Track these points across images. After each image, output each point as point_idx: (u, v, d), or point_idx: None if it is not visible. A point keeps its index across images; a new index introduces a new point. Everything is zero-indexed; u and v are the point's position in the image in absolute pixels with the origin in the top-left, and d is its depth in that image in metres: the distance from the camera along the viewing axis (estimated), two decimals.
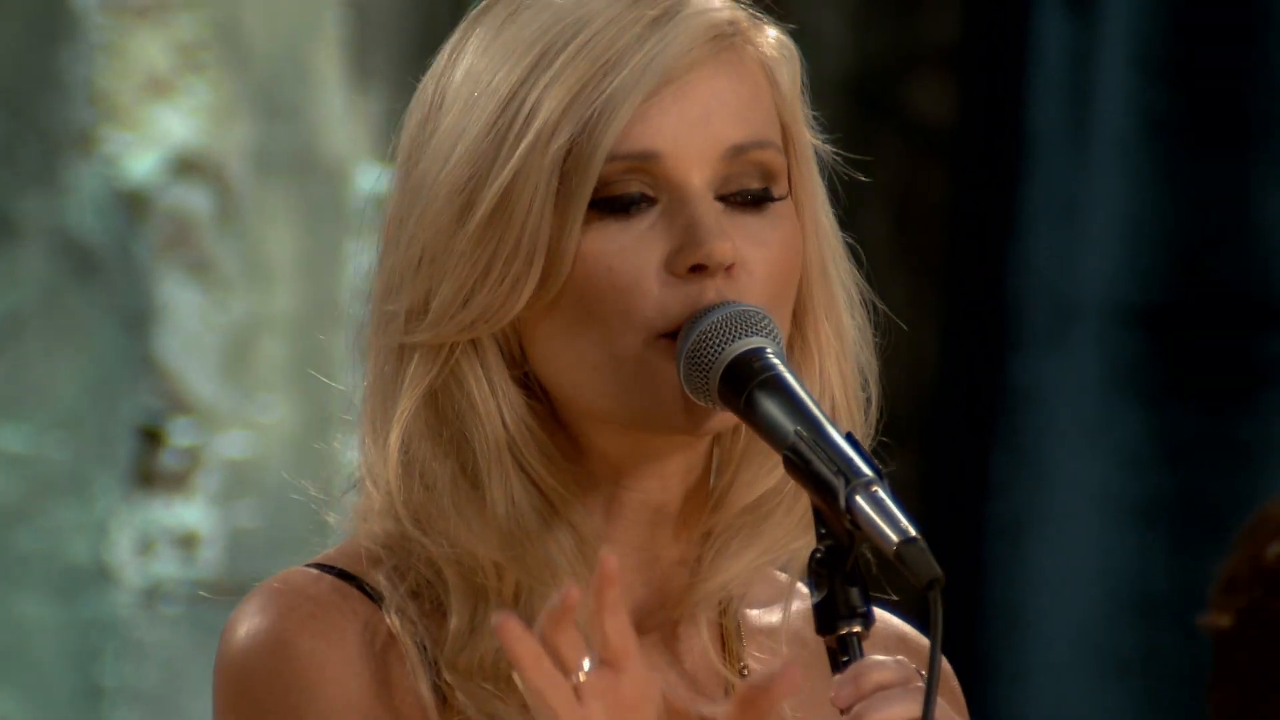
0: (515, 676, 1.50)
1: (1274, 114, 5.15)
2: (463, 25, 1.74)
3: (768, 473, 1.74)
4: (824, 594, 1.56)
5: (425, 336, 1.68)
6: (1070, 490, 5.36)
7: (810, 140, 1.76)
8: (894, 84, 5.26)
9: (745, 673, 1.78)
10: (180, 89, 5.55)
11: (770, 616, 1.82)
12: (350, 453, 1.79)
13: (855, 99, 5.14)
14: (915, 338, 5.28)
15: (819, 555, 1.56)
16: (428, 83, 1.74)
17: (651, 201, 1.68)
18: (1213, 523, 5.29)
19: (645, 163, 1.67)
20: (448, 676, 1.66)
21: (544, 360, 1.69)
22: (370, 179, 5.54)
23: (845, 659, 1.54)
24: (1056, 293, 5.26)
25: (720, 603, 1.78)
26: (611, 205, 1.67)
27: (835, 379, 1.75)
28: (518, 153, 1.65)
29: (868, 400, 1.78)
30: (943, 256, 5.24)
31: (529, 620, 1.57)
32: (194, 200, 5.57)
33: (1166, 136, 5.19)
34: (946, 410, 5.20)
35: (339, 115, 5.51)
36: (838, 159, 1.78)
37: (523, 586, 1.68)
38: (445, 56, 1.73)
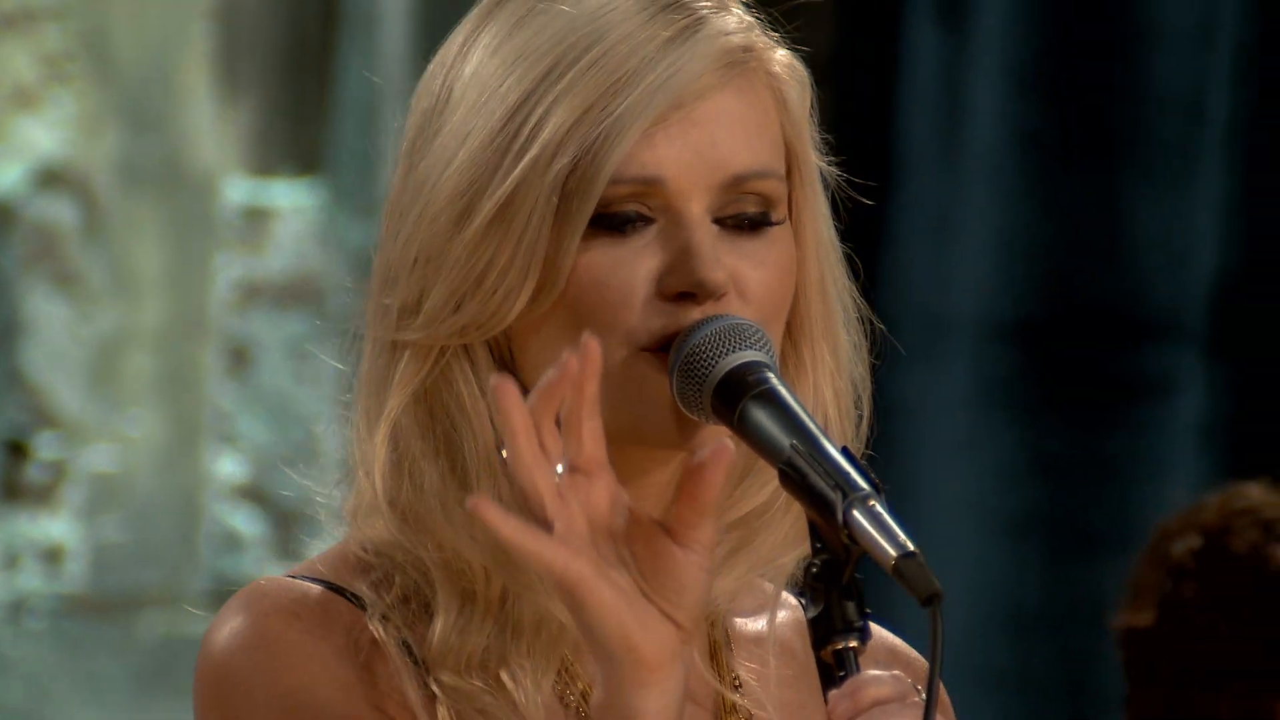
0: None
1: (1144, 129, 5.18)
2: (475, 15, 1.72)
3: (756, 489, 1.74)
4: (820, 608, 1.54)
5: (417, 336, 1.68)
6: (942, 504, 5.39)
7: (816, 162, 1.74)
8: None
9: (736, 683, 1.78)
10: (46, 100, 5.54)
11: (757, 624, 1.82)
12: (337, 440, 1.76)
13: None
14: None
15: (814, 570, 1.55)
16: (436, 72, 1.72)
17: (648, 221, 1.67)
18: (1084, 536, 5.32)
19: (648, 187, 1.66)
20: (435, 675, 1.65)
21: (534, 368, 1.67)
22: (238, 191, 5.57)
23: (841, 674, 1.53)
24: (928, 307, 5.29)
25: (708, 615, 1.77)
26: (608, 223, 1.66)
27: (829, 395, 1.74)
28: (520, 166, 1.64)
29: (859, 417, 1.76)
30: None
31: (517, 629, 1.64)
32: (60, 212, 5.56)
33: (1037, 151, 5.21)
34: None
35: (207, 127, 5.51)
36: None
37: (510, 590, 1.67)
38: (456, 47, 1.71)
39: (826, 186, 1.76)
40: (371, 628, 1.66)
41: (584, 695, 1.72)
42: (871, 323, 1.78)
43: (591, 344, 1.45)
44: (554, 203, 1.64)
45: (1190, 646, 3.13)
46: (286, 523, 5.55)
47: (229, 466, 5.57)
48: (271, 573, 5.74)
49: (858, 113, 5.15)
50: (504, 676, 1.63)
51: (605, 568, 1.50)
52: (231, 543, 5.54)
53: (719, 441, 1.50)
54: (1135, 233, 5.22)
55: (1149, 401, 5.24)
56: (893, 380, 5.26)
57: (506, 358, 1.71)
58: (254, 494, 5.57)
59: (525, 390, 1.59)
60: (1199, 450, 5.10)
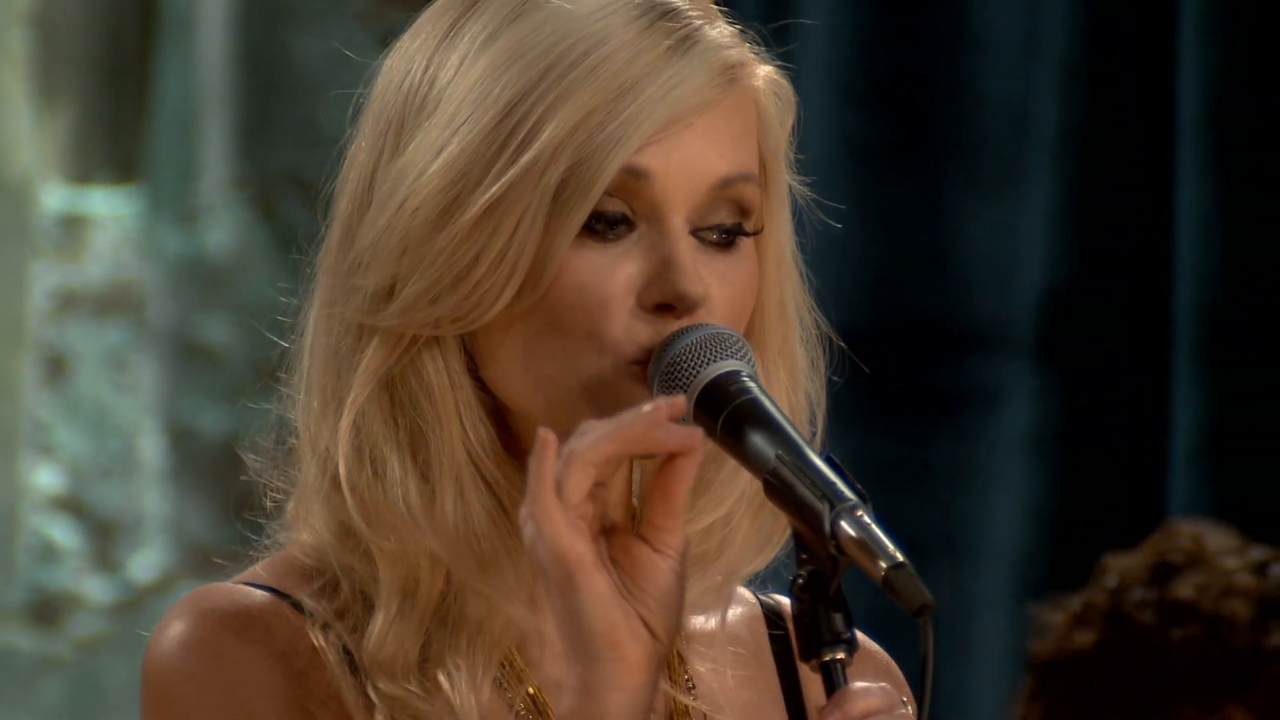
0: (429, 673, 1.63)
1: (971, 139, 5.15)
2: (455, 1, 1.72)
3: (716, 502, 1.76)
4: (807, 620, 1.55)
5: (390, 323, 1.67)
6: None
7: (786, 178, 1.78)
8: None
9: (690, 685, 1.80)
10: None
11: (709, 623, 1.83)
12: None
13: None
14: None
15: (800, 580, 1.55)
16: (415, 53, 1.72)
17: (630, 225, 1.69)
18: (913, 545, 5.27)
19: (635, 180, 1.68)
20: (371, 679, 1.65)
21: (499, 360, 1.69)
22: (55, 199, 5.52)
23: (829, 686, 1.54)
24: None
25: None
26: (594, 221, 1.68)
27: (785, 411, 1.72)
28: (515, 166, 1.64)
29: (814, 433, 1.78)
30: None
31: (459, 624, 1.67)
32: None
33: (864, 161, 5.18)
34: None
35: (23, 134, 5.44)
36: None
37: (453, 584, 1.68)
38: (440, 32, 1.71)
39: (795, 206, 1.81)
40: (312, 635, 1.67)
41: (532, 697, 1.72)
42: (830, 340, 1.83)
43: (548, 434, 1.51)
44: (546, 206, 1.65)
45: (1131, 672, 3.04)
46: (105, 534, 5.48)
47: (46, 477, 5.52)
48: (90, 585, 5.67)
49: None
50: (440, 678, 1.64)
51: (602, 560, 1.53)
52: (49, 554, 5.48)
53: (690, 433, 1.53)
54: (962, 243, 5.18)
55: (976, 412, 5.20)
56: None
57: (476, 350, 1.71)
58: (72, 505, 5.50)
59: (489, 386, 1.70)
60: (1026, 460, 5.06)
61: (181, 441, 5.42)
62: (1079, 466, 4.83)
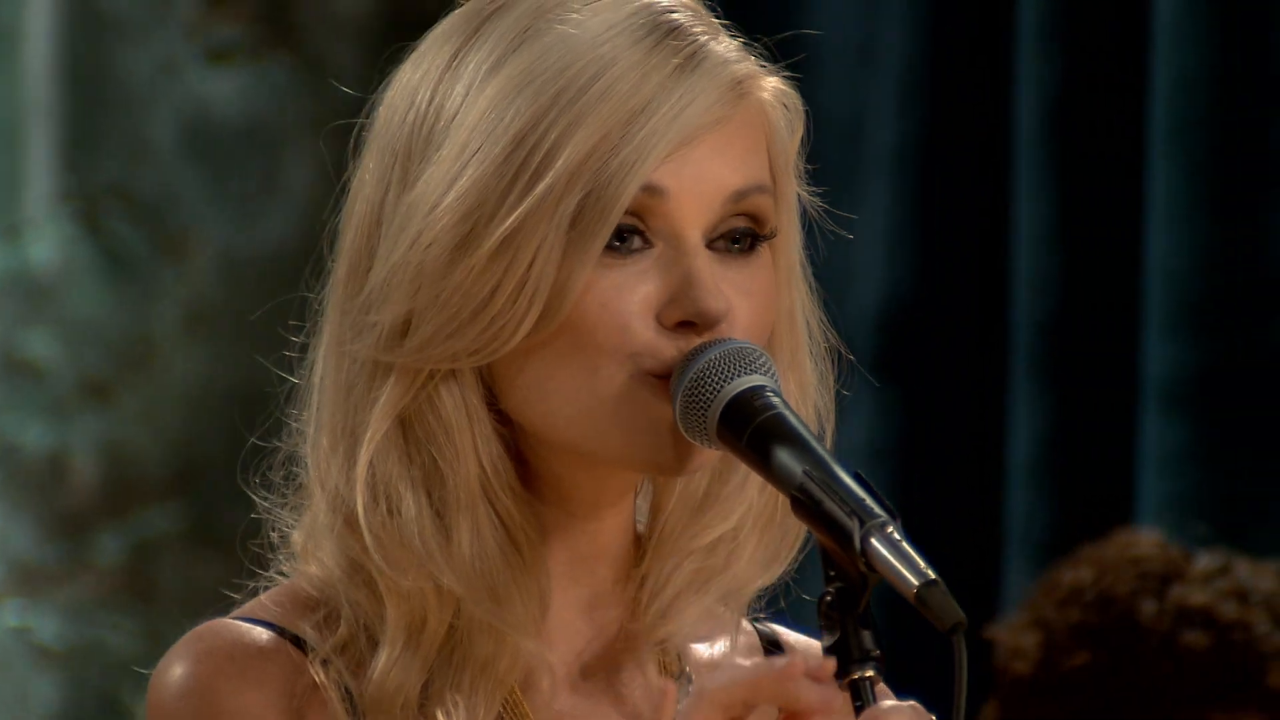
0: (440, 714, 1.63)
1: (808, 153, 5.13)
2: (459, 24, 1.71)
3: (723, 516, 1.75)
4: (835, 637, 1.54)
5: (407, 360, 1.66)
6: None
7: (795, 190, 1.78)
8: None
9: None
10: None
11: (713, 651, 1.82)
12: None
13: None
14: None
15: (829, 598, 1.55)
16: (419, 84, 1.69)
17: (648, 243, 1.68)
18: None
19: (650, 198, 1.66)
20: (370, 718, 1.65)
21: (517, 388, 1.68)
22: None
23: (859, 704, 1.53)
24: None
25: (663, 642, 1.79)
26: (610, 244, 1.67)
27: None
28: (530, 196, 1.63)
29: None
30: None
31: (463, 663, 1.66)
32: None
33: None
34: None
35: None
36: None
37: (462, 621, 1.67)
38: (444, 60, 1.69)
39: (805, 217, 1.81)
40: (312, 672, 1.66)
41: None
42: (839, 353, 1.82)
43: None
44: (563, 235, 1.63)
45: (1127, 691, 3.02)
46: None
47: None
48: None
49: None
50: (439, 716, 1.64)
51: None
52: None
53: (829, 694, 1.50)
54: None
55: None
56: None
57: (495, 381, 1.70)
58: None
59: (509, 419, 1.69)
60: (868, 473, 5.08)
61: (4, 458, 5.30)
62: (918, 480, 4.83)
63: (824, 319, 1.83)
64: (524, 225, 1.63)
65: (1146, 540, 3.14)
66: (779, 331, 1.76)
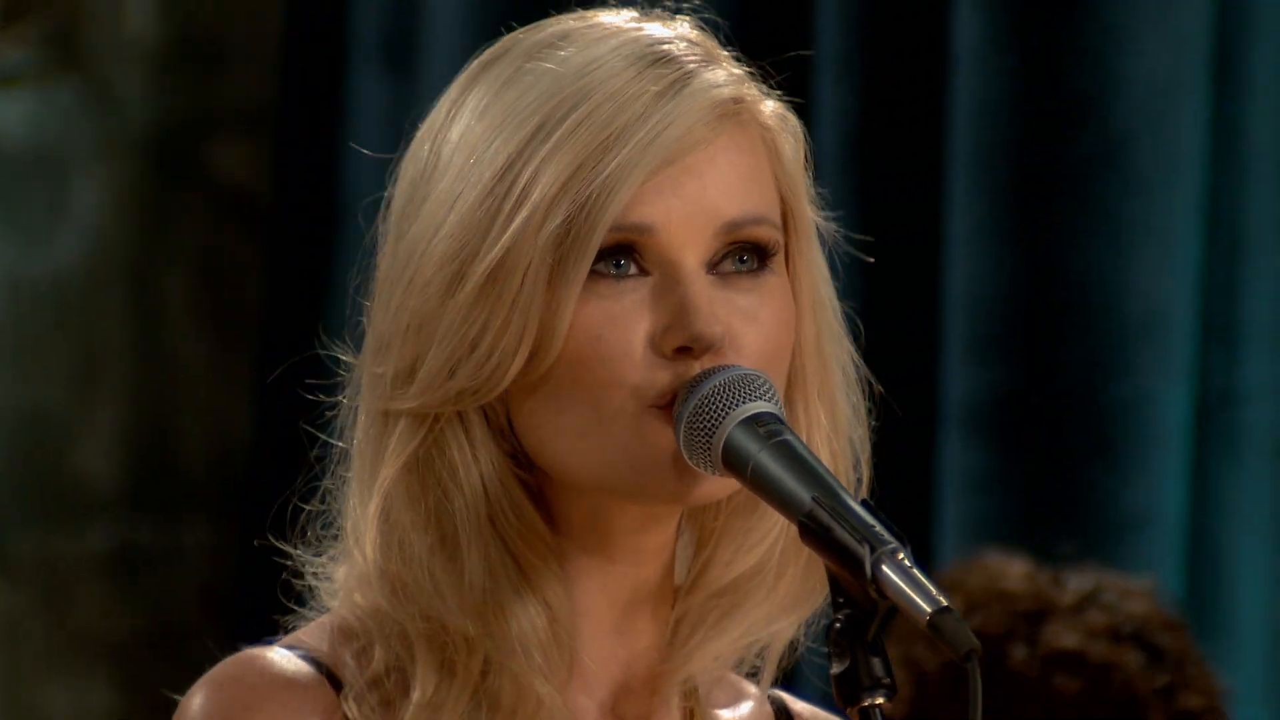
0: None
1: None
2: (462, 79, 1.71)
3: (746, 551, 1.73)
4: (845, 665, 1.53)
5: (411, 405, 1.66)
6: None
7: (811, 216, 1.75)
8: (197, 146, 5.11)
9: None
10: None
11: (732, 716, 1.81)
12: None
13: (155, 161, 4.99)
14: (226, 403, 5.15)
15: (839, 625, 1.54)
16: (423, 139, 1.70)
17: (644, 273, 1.66)
18: None
19: (639, 235, 1.64)
20: None
21: (530, 429, 1.67)
22: None
23: None
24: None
25: (688, 695, 1.77)
26: (603, 274, 1.65)
27: (825, 457, 1.71)
28: (511, 228, 1.62)
29: (859, 480, 1.76)
30: (257, 322, 5.14)
31: (494, 704, 1.63)
32: None
33: None
34: (257, 475, 5.04)
35: None
36: None
37: (491, 663, 1.65)
38: (443, 113, 1.70)
39: (824, 243, 1.77)
40: (344, 708, 1.64)
41: None
42: (870, 384, 1.79)
43: None
44: (548, 264, 1.62)
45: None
46: None
47: None
48: None
49: (301, 164, 5.04)
50: None
51: None
52: None
53: None
54: None
55: None
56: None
57: (503, 425, 1.69)
58: None
59: (519, 457, 1.68)
60: None
61: None
62: None
63: (854, 352, 1.80)
64: (507, 257, 1.62)
65: (1014, 570, 3.05)
66: (805, 362, 1.74)
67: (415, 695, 1.64)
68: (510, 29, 1.74)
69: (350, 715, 1.65)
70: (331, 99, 5.02)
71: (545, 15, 1.75)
